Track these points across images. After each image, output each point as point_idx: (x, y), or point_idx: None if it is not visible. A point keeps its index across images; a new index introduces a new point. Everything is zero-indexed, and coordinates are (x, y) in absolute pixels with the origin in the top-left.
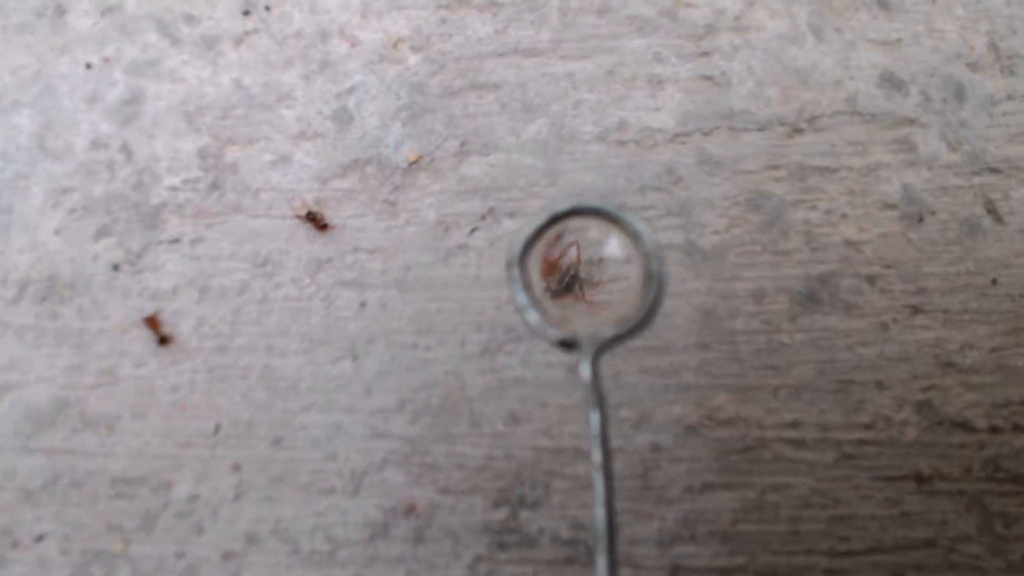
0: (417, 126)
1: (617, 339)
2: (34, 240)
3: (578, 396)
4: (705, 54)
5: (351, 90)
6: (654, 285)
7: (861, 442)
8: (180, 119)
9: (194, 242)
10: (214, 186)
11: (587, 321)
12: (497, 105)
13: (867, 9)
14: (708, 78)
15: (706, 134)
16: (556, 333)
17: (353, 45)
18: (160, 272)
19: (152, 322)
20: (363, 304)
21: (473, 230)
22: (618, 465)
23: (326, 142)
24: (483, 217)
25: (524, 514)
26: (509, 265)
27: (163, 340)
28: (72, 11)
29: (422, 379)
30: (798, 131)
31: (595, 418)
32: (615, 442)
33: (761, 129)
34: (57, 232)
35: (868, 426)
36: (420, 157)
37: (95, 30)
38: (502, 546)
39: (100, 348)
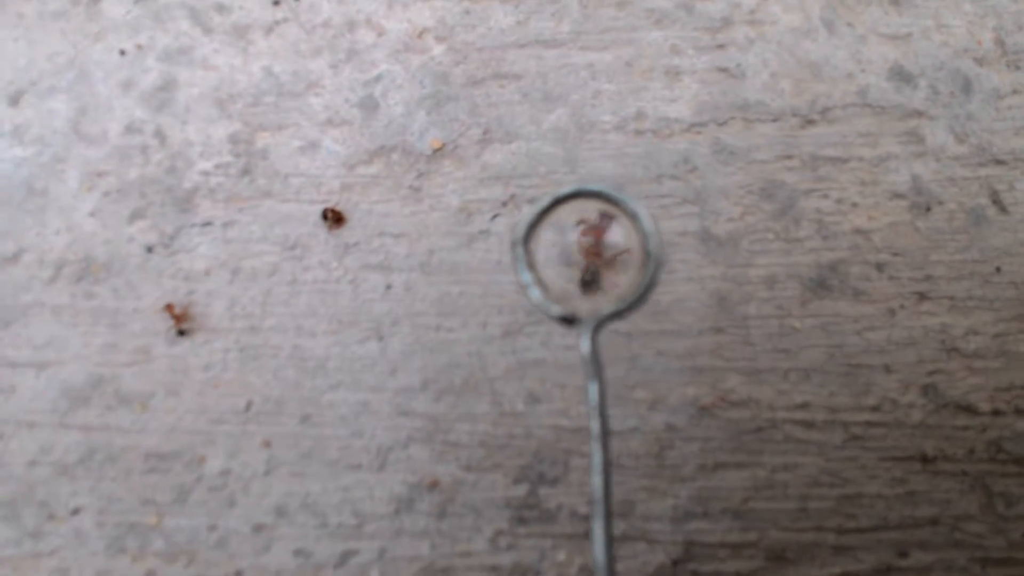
0: (441, 114)
1: (615, 315)
2: (70, 222)
3: None
4: (721, 47)
5: (377, 79)
6: (651, 264)
7: (868, 424)
8: (212, 106)
9: (226, 225)
10: (245, 171)
11: (587, 298)
12: (519, 95)
13: (878, 4)
14: (724, 70)
15: (721, 124)
16: (557, 309)
17: (379, 35)
18: (193, 254)
19: (171, 310)
20: (388, 287)
21: (495, 216)
22: (634, 444)
23: (353, 129)
24: (504, 203)
25: (543, 490)
26: (514, 245)
27: (182, 332)
28: None
29: (445, 360)
30: (810, 122)
31: (593, 390)
32: (631, 422)
33: (775, 120)
34: (92, 214)
35: (875, 408)
36: (444, 144)
37: (129, 18)
38: (522, 521)
39: (134, 327)
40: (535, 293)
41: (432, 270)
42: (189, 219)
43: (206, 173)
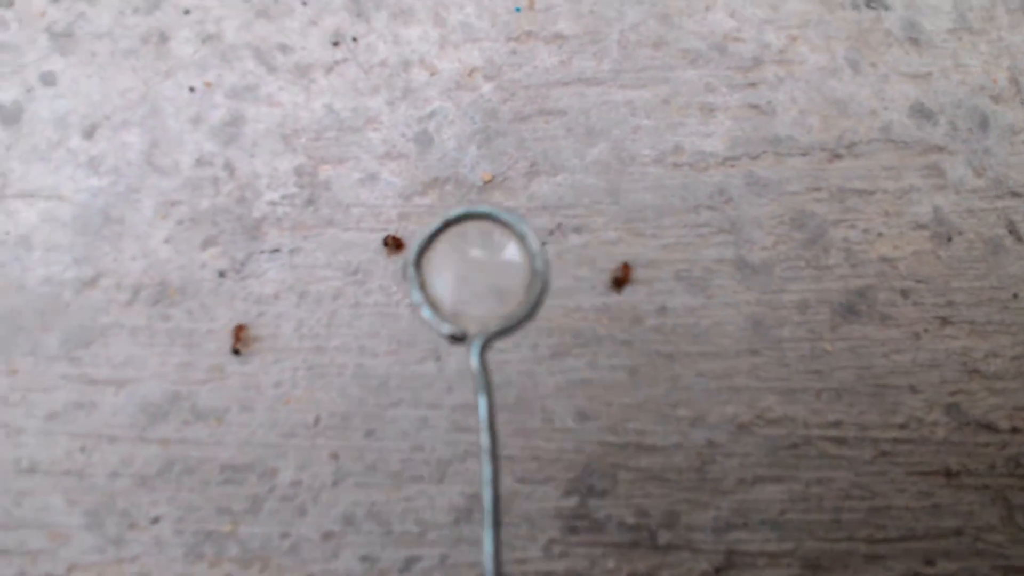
0: (491, 148)
1: (503, 332)
2: (145, 248)
3: (641, 395)
4: (752, 85)
5: (431, 115)
6: (538, 282)
7: (896, 440)
8: (277, 140)
9: (292, 252)
10: (309, 201)
11: (477, 316)
12: (563, 129)
13: (899, 45)
14: (755, 107)
15: (754, 158)
16: (447, 328)
17: (432, 74)
18: (262, 279)
19: (239, 331)
20: None
21: (543, 244)
22: (677, 459)
23: (409, 162)
24: (551, 232)
25: (593, 502)
26: (405, 266)
27: (236, 351)
28: (174, 38)
29: (498, 379)
30: (837, 156)
31: (483, 405)
32: (674, 439)
33: (804, 154)
34: (167, 241)
35: (902, 426)
36: (493, 177)
37: (196, 57)
38: (573, 530)
39: (209, 347)
40: (426, 312)
41: None
42: (258, 246)
43: (273, 203)
